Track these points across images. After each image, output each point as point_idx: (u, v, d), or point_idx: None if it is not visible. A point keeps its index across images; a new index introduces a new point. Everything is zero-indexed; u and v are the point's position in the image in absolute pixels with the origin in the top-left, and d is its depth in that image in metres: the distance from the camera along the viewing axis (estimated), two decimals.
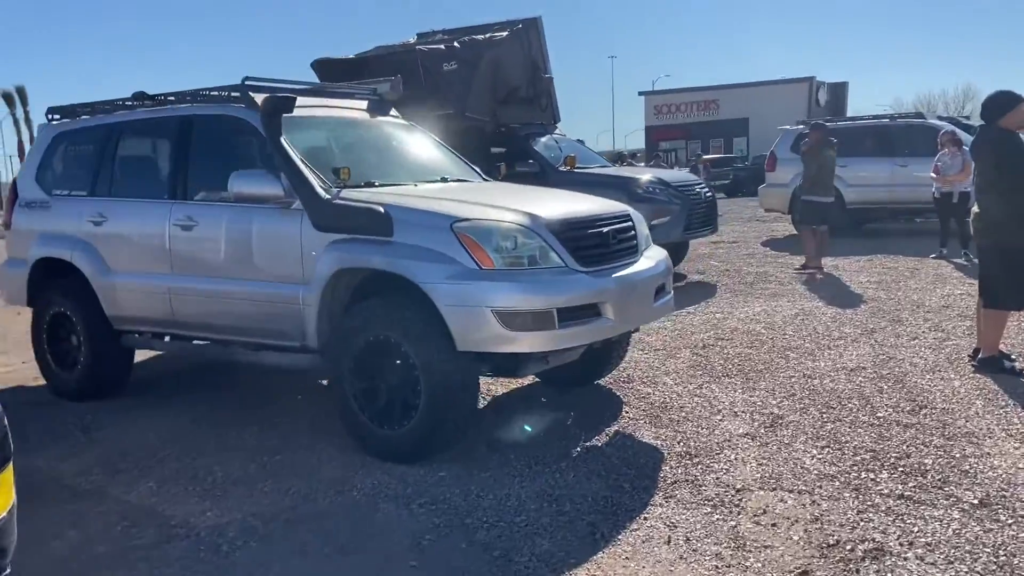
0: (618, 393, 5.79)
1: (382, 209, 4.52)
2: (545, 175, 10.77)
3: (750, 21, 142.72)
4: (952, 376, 5.76)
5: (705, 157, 31.09)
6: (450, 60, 11.01)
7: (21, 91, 51.16)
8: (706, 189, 11.43)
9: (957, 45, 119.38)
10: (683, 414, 5.24)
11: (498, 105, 11.46)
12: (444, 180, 5.75)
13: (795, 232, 15.52)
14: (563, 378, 5.86)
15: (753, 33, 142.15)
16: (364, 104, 6.19)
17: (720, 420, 5.09)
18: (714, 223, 11.58)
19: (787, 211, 15.94)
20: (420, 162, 6.07)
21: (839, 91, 49.41)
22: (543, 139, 11.71)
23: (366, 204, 4.61)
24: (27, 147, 32.27)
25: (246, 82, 5.34)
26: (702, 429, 4.93)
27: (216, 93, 5.51)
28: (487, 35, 11.63)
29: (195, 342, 5.67)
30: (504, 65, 11.44)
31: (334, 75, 10.81)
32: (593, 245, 4.74)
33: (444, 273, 4.30)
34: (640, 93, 54.88)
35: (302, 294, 4.80)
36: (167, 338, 5.79)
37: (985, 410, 5.02)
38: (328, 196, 4.76)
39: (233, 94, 5.40)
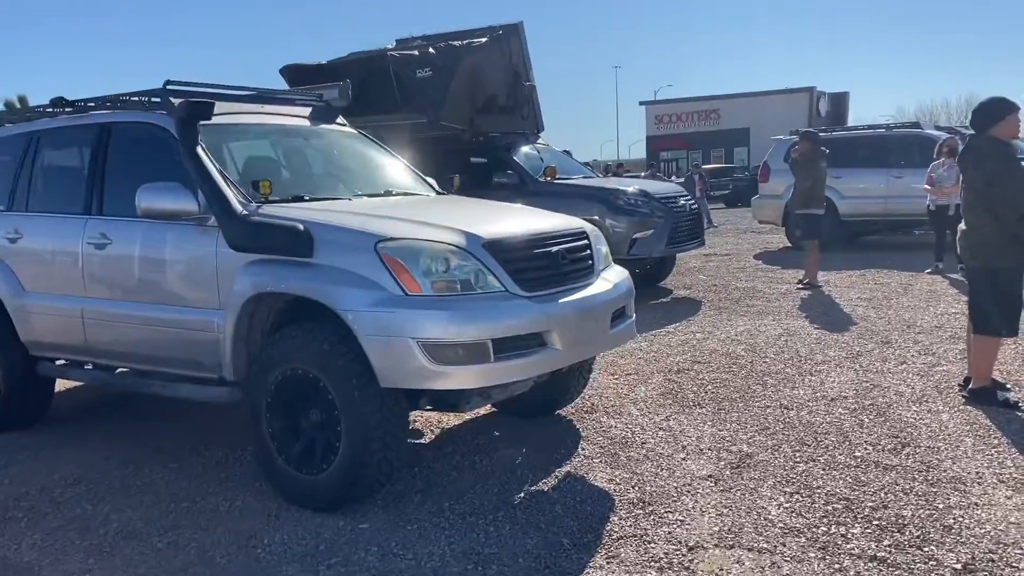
0: (578, 425, 5.32)
1: (302, 227, 4.05)
2: (524, 186, 10.36)
3: (752, 31, 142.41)
4: (940, 408, 5.28)
5: (703, 167, 30.52)
6: (424, 66, 10.58)
7: (23, 101, 50.58)
8: (691, 201, 10.96)
9: (960, 54, 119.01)
10: (644, 451, 4.76)
11: (476, 113, 11.01)
12: (388, 194, 5.30)
13: (788, 245, 15.14)
14: (521, 408, 5.41)
15: (755, 43, 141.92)
16: (306, 111, 5.72)
17: (683, 459, 4.60)
18: (701, 236, 11.12)
19: (781, 223, 15.51)
20: (363, 174, 5.61)
21: (840, 101, 48.93)
22: (524, 149, 11.25)
23: (285, 221, 4.14)
24: None
25: (168, 86, 4.89)
26: (662, 470, 4.45)
27: (136, 99, 5.06)
28: (465, 41, 11.19)
29: (117, 371, 5.22)
30: (482, 72, 11.01)
31: (303, 82, 10.35)
32: (539, 267, 4.28)
33: (366, 299, 3.84)
34: (641, 103, 54.46)
35: (217, 321, 4.34)
36: (89, 366, 5.32)
37: (975, 449, 4.53)
38: (245, 212, 4.29)
39: (153, 99, 4.95)
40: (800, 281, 10.69)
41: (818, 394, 5.72)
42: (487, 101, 11.10)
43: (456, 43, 11.13)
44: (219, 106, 4.98)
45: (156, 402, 6.08)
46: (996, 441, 4.64)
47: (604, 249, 4.98)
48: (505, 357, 3.90)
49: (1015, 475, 4.16)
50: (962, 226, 5.30)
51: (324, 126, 5.71)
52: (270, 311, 4.37)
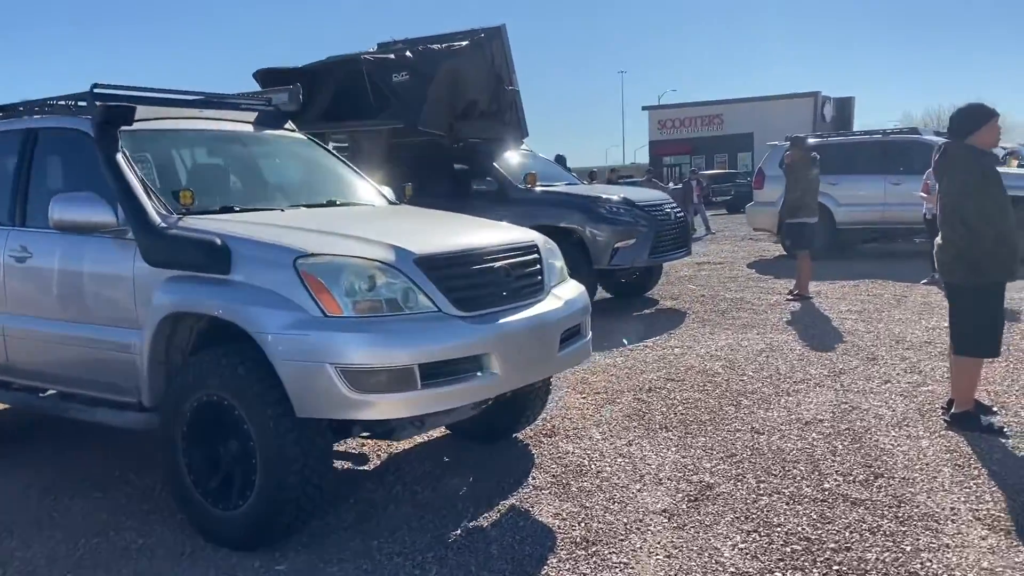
0: (534, 451, 4.99)
1: (219, 241, 3.75)
2: (504, 193, 10.04)
3: (757, 36, 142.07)
4: (921, 433, 4.94)
5: (702, 173, 30.16)
6: (401, 70, 10.28)
7: None
8: (677, 209, 10.63)
9: (967, 61, 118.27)
10: (598, 482, 4.43)
11: (456, 119, 10.69)
12: (331, 204, 5.00)
13: (783, 254, 14.77)
14: (476, 431, 5.10)
15: (759, 48, 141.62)
16: (252, 116, 5.42)
17: (639, 491, 4.28)
18: (687, 246, 10.78)
19: (776, 231, 15.16)
20: (307, 182, 5.32)
21: (845, 106, 48.55)
22: (506, 155, 10.92)
23: (202, 235, 3.84)
24: None
25: (96, 89, 4.59)
26: (614, 504, 4.13)
27: (64, 103, 4.77)
28: (445, 45, 10.88)
29: (46, 393, 4.91)
30: (463, 76, 10.68)
31: (276, 86, 10.07)
32: (478, 284, 3.97)
33: (282, 321, 3.53)
34: (644, 108, 54.05)
35: (135, 341, 4.03)
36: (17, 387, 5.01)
37: (952, 481, 4.20)
38: (163, 224, 3.99)
39: (80, 103, 4.67)
40: (791, 292, 10.36)
41: (793, 417, 5.38)
42: (468, 106, 10.77)
43: (435, 47, 10.83)
44: (153, 110, 4.74)
45: (96, 425, 5.79)
46: (976, 472, 4.30)
47: (559, 264, 4.67)
48: (435, 384, 3.59)
49: (993, 511, 3.83)
50: (938, 240, 4.95)
51: (269, 132, 5.40)
52: (191, 331, 4.07)
